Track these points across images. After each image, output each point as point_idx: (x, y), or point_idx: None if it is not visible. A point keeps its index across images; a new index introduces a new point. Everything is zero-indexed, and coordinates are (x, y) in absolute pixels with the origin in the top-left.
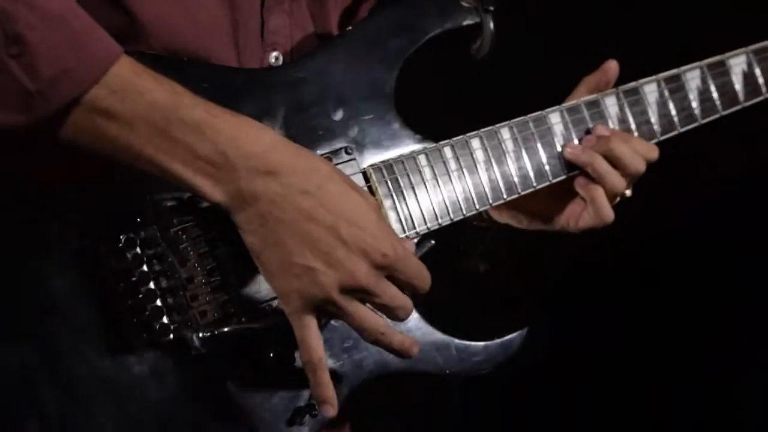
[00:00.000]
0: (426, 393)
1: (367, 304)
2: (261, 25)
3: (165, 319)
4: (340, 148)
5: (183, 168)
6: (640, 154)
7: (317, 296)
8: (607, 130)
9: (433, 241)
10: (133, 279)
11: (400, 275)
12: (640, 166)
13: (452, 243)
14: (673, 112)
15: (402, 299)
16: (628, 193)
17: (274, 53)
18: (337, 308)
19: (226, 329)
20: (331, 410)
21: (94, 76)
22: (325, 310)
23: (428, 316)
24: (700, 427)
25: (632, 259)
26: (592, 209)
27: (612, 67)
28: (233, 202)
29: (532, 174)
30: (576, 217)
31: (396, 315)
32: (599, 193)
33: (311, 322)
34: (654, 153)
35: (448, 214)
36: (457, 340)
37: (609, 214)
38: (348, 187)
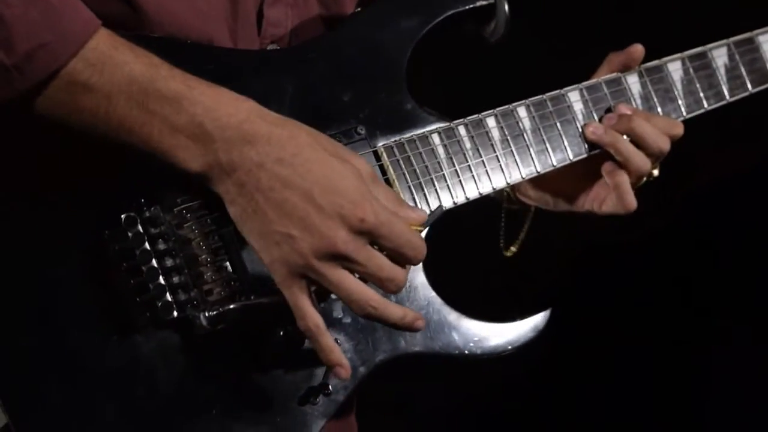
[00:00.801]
0: (429, 393)
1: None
2: (259, 16)
3: (168, 297)
4: (351, 128)
5: (160, 139)
6: (663, 132)
7: (298, 263)
8: (629, 109)
9: (444, 207)
10: (136, 258)
11: (386, 242)
12: (664, 145)
13: (490, 229)
14: (700, 90)
15: (390, 269)
16: (656, 172)
17: (272, 45)
18: (319, 275)
19: (232, 306)
20: (343, 372)
21: (72, 49)
22: (309, 279)
23: (447, 297)
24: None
25: (631, 259)
26: (616, 195)
27: (638, 50)
28: (212, 172)
29: (551, 153)
30: (600, 200)
31: (385, 286)
32: (623, 180)
33: (300, 290)
34: (678, 129)
35: (464, 193)
36: (477, 321)
37: (632, 202)
38: (328, 154)
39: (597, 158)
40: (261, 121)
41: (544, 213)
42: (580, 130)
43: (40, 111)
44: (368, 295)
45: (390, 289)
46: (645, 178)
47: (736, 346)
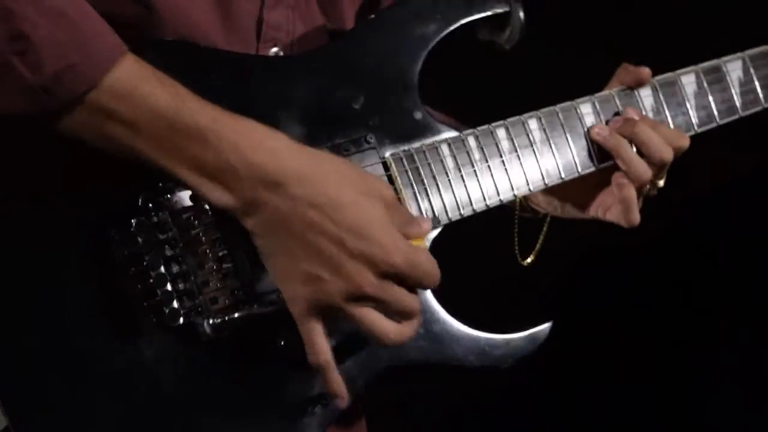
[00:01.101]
0: (429, 393)
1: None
2: (259, 21)
3: (175, 304)
4: (360, 137)
5: (188, 174)
6: (668, 142)
7: (324, 303)
8: (637, 114)
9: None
10: (144, 263)
11: (410, 281)
12: (666, 155)
13: (494, 237)
14: (713, 103)
15: (409, 302)
16: (661, 183)
17: (274, 49)
18: (344, 314)
19: (236, 315)
20: (342, 403)
21: (99, 73)
22: (329, 317)
23: (448, 308)
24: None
25: (631, 260)
26: (621, 208)
27: (645, 73)
28: (240, 208)
29: (560, 165)
30: (606, 207)
31: (405, 317)
32: (631, 194)
33: (317, 326)
34: (683, 141)
35: (471, 204)
36: (478, 333)
37: (635, 218)
38: (357, 193)
39: (607, 168)
40: (287, 157)
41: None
42: (589, 142)
43: (65, 132)
44: (388, 328)
45: (408, 318)
46: (649, 189)
47: (736, 347)
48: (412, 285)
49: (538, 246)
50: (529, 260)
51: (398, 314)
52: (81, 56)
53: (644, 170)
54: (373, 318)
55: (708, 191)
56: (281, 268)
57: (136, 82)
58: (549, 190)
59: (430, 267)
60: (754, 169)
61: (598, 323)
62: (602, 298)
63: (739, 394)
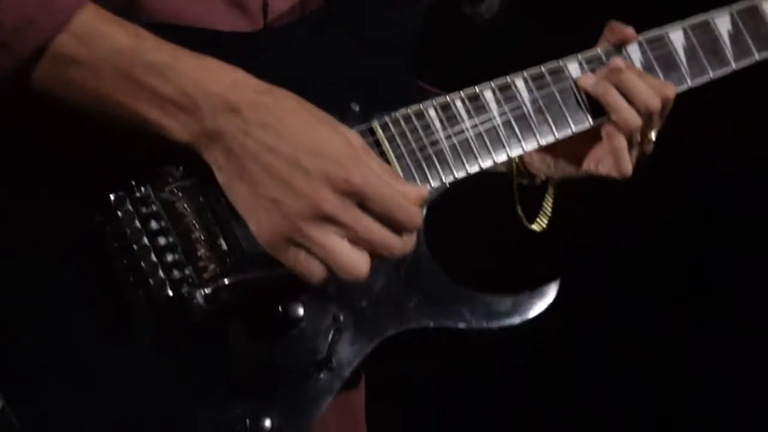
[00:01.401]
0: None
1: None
2: (264, 7)
3: (161, 274)
4: (344, 105)
5: (149, 109)
6: (654, 90)
7: (285, 227)
8: (623, 63)
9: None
10: (127, 237)
11: (375, 205)
12: (653, 103)
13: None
14: (704, 57)
15: (381, 233)
16: (653, 136)
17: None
18: (306, 238)
19: (227, 282)
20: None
21: (59, 24)
22: (299, 244)
23: (453, 272)
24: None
25: (628, 258)
26: (613, 159)
27: (631, 32)
28: (199, 140)
29: (552, 125)
30: (597, 160)
31: (377, 251)
32: (621, 144)
33: (294, 253)
34: (668, 90)
35: (465, 167)
36: (485, 294)
37: (627, 168)
38: (315, 120)
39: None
40: (247, 88)
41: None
42: (579, 99)
43: (31, 87)
44: (349, 255)
45: (383, 254)
46: (642, 143)
47: (737, 342)
48: (384, 218)
49: (548, 208)
50: (540, 224)
51: (370, 245)
52: (40, 10)
53: (633, 117)
54: (335, 243)
55: (709, 185)
56: (243, 199)
57: (96, 25)
58: (544, 149)
59: (402, 199)
60: (756, 160)
61: (598, 316)
62: (601, 291)
63: (738, 391)
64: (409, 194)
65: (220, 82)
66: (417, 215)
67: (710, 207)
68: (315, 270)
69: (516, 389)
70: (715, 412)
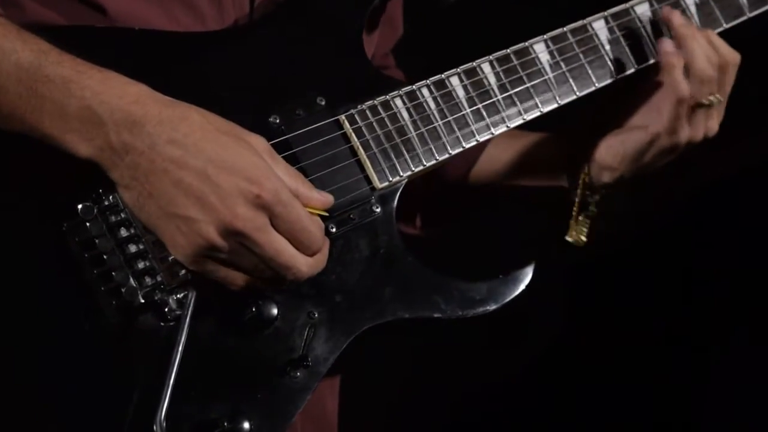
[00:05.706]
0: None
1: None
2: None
3: (133, 282)
4: (310, 100)
5: (51, 125)
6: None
7: (201, 244)
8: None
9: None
10: (96, 246)
11: (282, 223)
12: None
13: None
14: (717, 9)
15: (289, 256)
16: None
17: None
18: (225, 254)
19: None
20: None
21: None
22: (216, 259)
23: (427, 260)
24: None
25: (630, 258)
26: (667, 81)
27: None
28: (103, 156)
29: (521, 107)
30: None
31: (282, 274)
32: (678, 62)
33: (213, 266)
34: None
35: (434, 155)
36: (459, 281)
37: (685, 88)
38: (220, 133)
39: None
40: (151, 102)
41: None
42: (549, 80)
43: None
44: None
45: (287, 277)
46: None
47: (735, 346)
48: (289, 236)
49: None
50: (573, 238)
51: (277, 266)
52: None
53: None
54: (250, 259)
55: (709, 188)
56: (155, 218)
57: None
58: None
59: (309, 222)
60: (755, 164)
61: (597, 319)
62: (601, 294)
63: (738, 393)
64: (315, 202)
65: (123, 96)
66: (318, 239)
67: (711, 211)
68: (236, 279)
69: (512, 395)
70: (716, 413)
